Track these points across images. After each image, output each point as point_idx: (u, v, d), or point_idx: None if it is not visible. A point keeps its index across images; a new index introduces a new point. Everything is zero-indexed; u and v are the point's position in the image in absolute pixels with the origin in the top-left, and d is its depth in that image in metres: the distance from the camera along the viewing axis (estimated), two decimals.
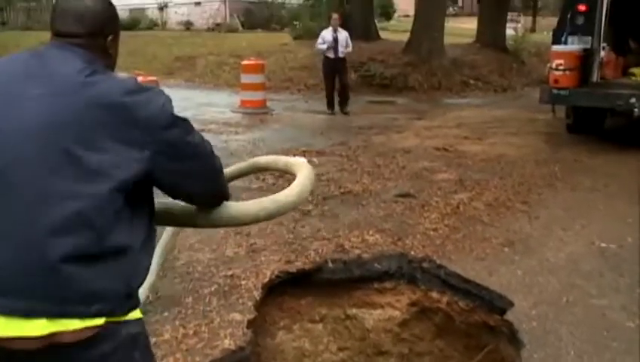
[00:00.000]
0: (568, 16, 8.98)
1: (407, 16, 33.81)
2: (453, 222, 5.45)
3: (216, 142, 8.96)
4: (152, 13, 28.43)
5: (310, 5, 24.66)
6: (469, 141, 9.38)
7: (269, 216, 2.04)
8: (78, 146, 1.49)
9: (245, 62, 13.11)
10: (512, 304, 3.93)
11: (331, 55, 11.79)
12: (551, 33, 9.69)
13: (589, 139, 9.26)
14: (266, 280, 4.17)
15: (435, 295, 4.25)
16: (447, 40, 18.56)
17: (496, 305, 3.99)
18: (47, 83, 1.56)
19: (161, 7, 28.07)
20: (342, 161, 7.90)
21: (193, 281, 4.20)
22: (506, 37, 20.53)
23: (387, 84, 15.73)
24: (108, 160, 1.50)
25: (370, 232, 5.09)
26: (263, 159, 2.48)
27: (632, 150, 8.41)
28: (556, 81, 8.66)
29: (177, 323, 3.65)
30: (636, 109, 8.08)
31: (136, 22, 27.61)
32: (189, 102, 13.21)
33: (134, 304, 1.61)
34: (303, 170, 2.23)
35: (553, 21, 9.62)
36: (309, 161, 7.28)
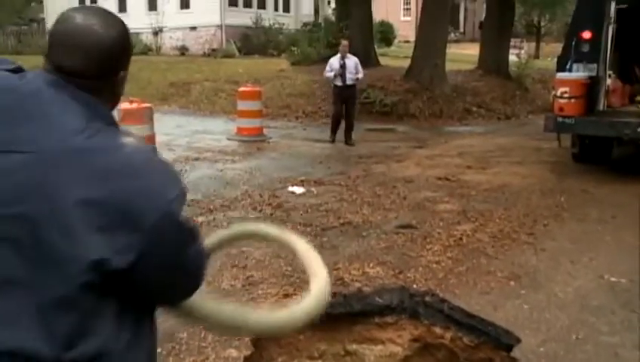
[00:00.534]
0: (573, 43, 9.08)
1: (408, 41, 34.12)
2: (456, 254, 5.46)
3: (211, 170, 9.02)
4: (147, 38, 28.60)
5: (308, 31, 24.91)
6: (472, 170, 9.43)
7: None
8: (52, 229, 1.23)
9: (242, 88, 13.19)
10: (519, 340, 3.89)
11: (339, 83, 11.71)
12: (555, 60, 9.79)
13: (595, 168, 9.31)
14: None
15: (438, 330, 4.21)
16: (449, 66, 18.72)
17: (503, 341, 3.96)
18: (38, 137, 1.28)
19: (156, 32, 28.29)
20: (341, 190, 7.93)
21: None
22: (509, 63, 20.72)
23: (387, 111, 15.79)
24: (83, 250, 1.23)
25: (371, 265, 5.10)
26: (276, 232, 1.95)
27: None
28: (561, 109, 8.73)
29: (171, 359, 3.63)
30: None
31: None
32: (183, 129, 13.28)
33: None
34: (319, 277, 1.78)
35: (557, 47, 9.73)
36: (307, 191, 7.30)
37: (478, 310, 4.28)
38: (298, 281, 4.72)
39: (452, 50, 22.84)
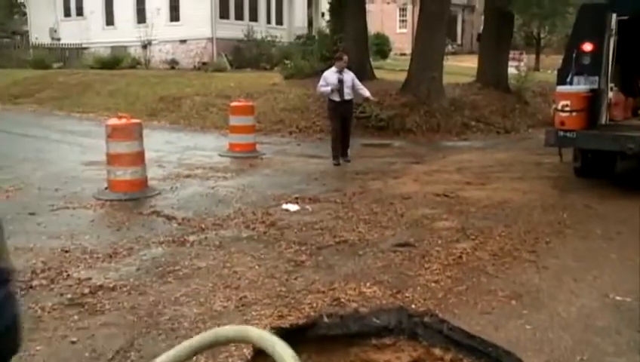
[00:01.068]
0: (573, 55, 9.14)
1: (404, 54, 34.34)
2: (455, 273, 5.48)
3: (202, 188, 9.04)
4: (135, 51, 28.69)
5: (302, 44, 25.00)
6: (471, 186, 9.47)
7: None
8: None
9: (234, 103, 13.24)
10: None
11: (336, 98, 11.43)
12: (555, 72, 9.85)
13: (599, 183, 9.36)
14: None
15: (437, 352, 4.21)
16: (447, 79, 18.81)
17: None
18: None
19: (145, 45, 28.37)
20: (337, 208, 7.95)
21: (179, 338, 4.17)
22: (508, 76, 20.83)
23: (383, 126, 15.83)
24: None
25: (368, 284, 5.11)
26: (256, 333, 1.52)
27: None
28: (562, 123, 8.78)
29: None
30: None
31: (118, 60, 27.90)
32: (173, 145, 13.31)
33: None
34: None
35: (557, 59, 9.81)
36: (302, 209, 7.34)
37: (479, 330, 4.29)
38: (293, 302, 4.73)
39: (449, 62, 23.03)
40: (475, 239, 6.54)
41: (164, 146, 12.86)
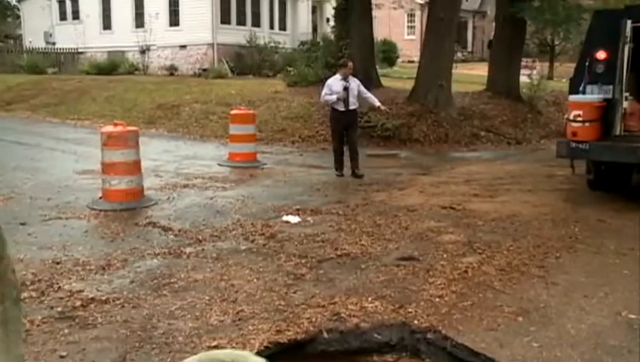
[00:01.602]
0: (586, 63, 9.15)
1: (412, 61, 34.45)
2: (460, 288, 5.50)
3: (201, 198, 9.09)
4: (133, 57, 28.81)
5: (305, 50, 25.10)
6: (479, 199, 9.49)
7: None
8: None
9: (234, 111, 13.31)
10: None
11: (341, 108, 11.23)
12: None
13: (613, 197, 9.36)
14: (254, 351, 4.18)
15: None
16: (456, 87, 18.88)
17: None
18: None
19: (143, 50, 28.50)
20: (339, 220, 7.99)
21: (173, 353, 4.21)
22: (520, 84, 20.87)
23: (389, 135, 15.90)
24: None
25: (370, 299, 5.14)
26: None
27: None
28: (574, 133, 8.78)
29: None
30: None
31: (115, 65, 28.03)
32: (171, 154, 13.38)
33: None
34: None
35: (571, 68, 9.83)
36: (303, 221, 7.36)
37: (484, 347, 4.33)
38: (292, 316, 4.75)
39: (459, 70, 23.13)
40: (481, 253, 6.56)
41: (162, 155, 12.93)
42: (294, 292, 5.32)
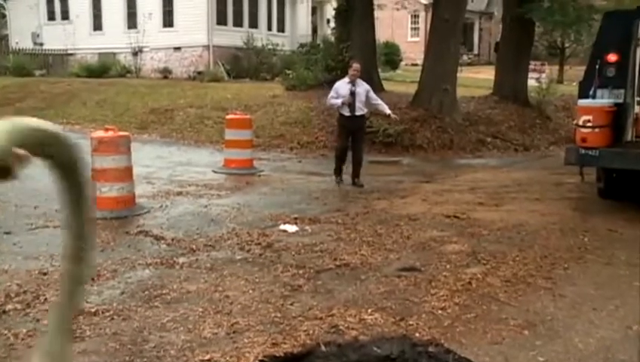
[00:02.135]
0: (597, 67, 9.17)
1: (416, 64, 34.49)
2: (464, 300, 5.53)
3: (195, 206, 9.13)
4: (125, 59, 28.80)
5: (305, 52, 25.15)
6: (484, 207, 9.54)
7: None
8: None
9: (230, 116, 13.36)
10: None
11: (346, 113, 11.11)
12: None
13: (624, 205, 9.39)
14: None
15: None
16: (461, 92, 18.93)
17: None
18: None
19: (135, 52, 28.51)
20: (338, 229, 8.03)
21: None
22: (527, 89, 20.92)
23: (391, 141, 15.92)
24: None
25: (369, 311, 5.17)
26: None
27: None
28: (584, 139, 8.82)
29: None
30: None
31: (106, 68, 27.95)
32: (164, 160, 13.41)
33: None
34: None
35: (582, 71, 9.85)
36: (301, 230, 7.38)
37: (488, 361, 4.35)
38: (288, 329, 4.78)
39: (464, 74, 23.17)
40: (486, 264, 6.60)
41: (155, 161, 12.97)
42: (291, 304, 5.35)
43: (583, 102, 9.20)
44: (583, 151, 8.82)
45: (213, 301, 5.42)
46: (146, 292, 5.63)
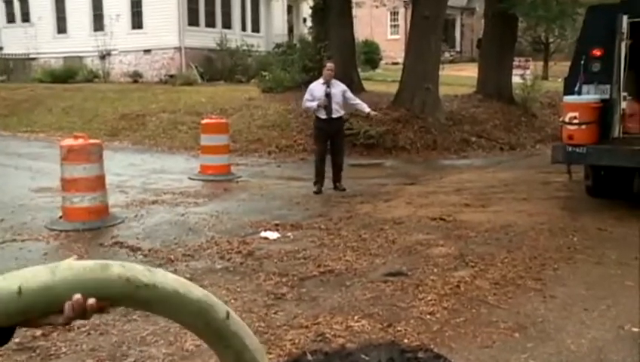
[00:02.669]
0: (582, 62, 9.29)
1: (396, 63, 34.64)
2: (453, 304, 5.62)
3: (171, 215, 9.14)
4: (92, 63, 28.60)
5: (281, 53, 25.19)
6: (471, 209, 9.65)
7: None
8: None
9: (205, 120, 13.38)
10: None
11: (323, 115, 10.96)
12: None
13: (613, 204, 9.53)
14: None
15: None
16: (443, 90, 19.05)
17: None
18: None
19: (103, 55, 28.34)
20: (321, 235, 8.09)
21: None
22: (512, 86, 21.10)
23: (373, 143, 16.00)
24: None
25: (356, 318, 5.24)
26: None
27: None
28: (570, 137, 8.92)
29: None
30: None
31: (72, 72, 27.72)
32: (137, 168, 13.39)
33: None
34: None
35: (567, 66, 9.97)
36: (283, 237, 7.42)
37: None
38: (273, 338, 4.83)
39: (447, 71, 23.24)
40: (474, 266, 6.70)
41: (127, 169, 12.94)
42: (275, 313, 5.40)
43: (568, 98, 9.28)
44: (570, 149, 8.90)
45: None
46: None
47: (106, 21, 28.58)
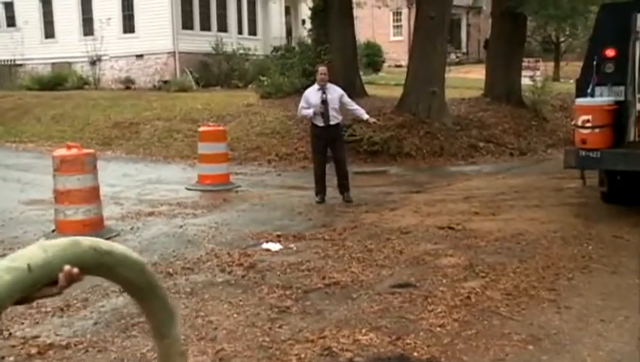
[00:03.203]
0: (594, 62, 9.30)
1: (400, 65, 34.80)
2: (463, 315, 5.66)
3: (169, 227, 9.20)
4: (82, 69, 28.62)
5: (280, 57, 25.26)
6: (480, 217, 9.70)
7: None
8: None
9: (203, 128, 13.43)
10: None
11: (320, 123, 10.94)
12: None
13: (630, 210, 9.55)
14: None
15: None
16: (450, 94, 19.10)
17: None
18: None
19: (93, 61, 28.35)
20: (325, 246, 8.14)
21: None
22: (521, 88, 21.14)
23: (377, 150, 16.04)
24: None
25: (363, 331, 5.28)
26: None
27: None
28: (584, 141, 8.93)
29: None
30: None
31: (61, 79, 27.77)
32: (132, 178, 13.45)
33: None
34: None
35: (580, 67, 10.00)
36: (285, 248, 7.47)
37: None
38: (278, 353, 4.88)
39: (453, 74, 23.35)
40: (485, 277, 6.74)
41: (121, 180, 13.02)
42: (279, 327, 5.45)
43: (581, 100, 9.27)
44: (584, 154, 8.90)
45: (196, 327, 5.50)
46: (122, 321, 5.69)
47: (96, 25, 28.59)
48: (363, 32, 34.02)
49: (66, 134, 18.60)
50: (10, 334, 5.46)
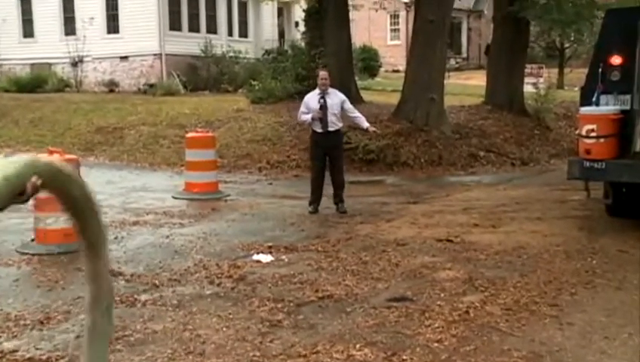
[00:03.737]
0: (599, 70, 9.33)
1: (397, 70, 34.90)
2: (462, 331, 5.70)
3: (154, 237, 9.22)
4: (63, 70, 28.45)
5: (271, 60, 25.29)
6: (480, 229, 9.76)
7: None
8: None
9: (190, 134, 13.49)
10: None
11: (319, 129, 10.97)
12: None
13: (635, 224, 9.56)
14: None
15: None
16: (449, 101, 19.15)
17: None
18: None
19: (75, 63, 28.17)
20: (318, 257, 8.18)
21: None
22: (524, 95, 21.21)
23: (373, 158, 16.09)
24: None
25: (358, 346, 5.32)
26: None
27: None
28: (588, 151, 8.96)
29: None
30: None
31: (41, 81, 27.57)
32: (116, 186, 13.47)
33: None
34: None
35: (585, 74, 10.06)
36: (277, 260, 7.53)
37: None
38: None
39: (452, 80, 23.42)
40: (484, 291, 6.78)
41: (105, 187, 13.02)
42: (270, 341, 5.48)
43: (585, 109, 9.32)
44: (588, 164, 8.94)
45: (183, 341, 5.53)
46: None
47: (79, 24, 28.41)
48: (359, 36, 34.06)
49: (45, 139, 18.58)
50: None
